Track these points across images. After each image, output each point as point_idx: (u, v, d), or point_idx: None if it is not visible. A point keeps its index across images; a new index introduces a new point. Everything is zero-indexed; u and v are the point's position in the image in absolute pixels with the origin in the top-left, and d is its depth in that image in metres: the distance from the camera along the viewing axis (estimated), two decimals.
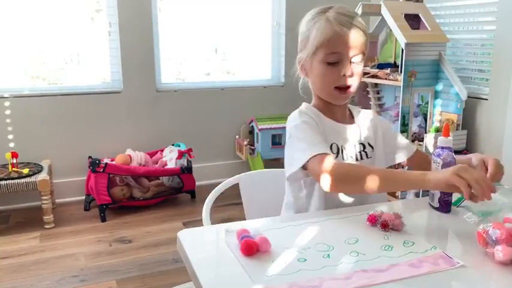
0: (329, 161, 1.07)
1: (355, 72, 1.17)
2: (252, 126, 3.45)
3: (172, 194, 3.06)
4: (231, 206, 2.32)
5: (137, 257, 2.35)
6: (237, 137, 3.47)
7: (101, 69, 3.17)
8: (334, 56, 1.15)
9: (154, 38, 3.16)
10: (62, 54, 3.08)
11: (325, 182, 1.07)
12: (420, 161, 1.29)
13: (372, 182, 1.03)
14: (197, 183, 3.09)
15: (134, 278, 2.16)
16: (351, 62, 1.16)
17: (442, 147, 1.08)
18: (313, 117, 1.21)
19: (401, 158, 1.30)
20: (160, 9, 3.17)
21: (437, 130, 2.74)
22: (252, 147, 3.42)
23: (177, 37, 3.32)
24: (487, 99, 2.77)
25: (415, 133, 2.80)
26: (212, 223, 1.26)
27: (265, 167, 3.25)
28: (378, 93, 3.24)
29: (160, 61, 3.25)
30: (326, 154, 1.10)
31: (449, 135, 1.08)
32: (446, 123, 1.12)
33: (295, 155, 1.15)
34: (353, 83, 1.18)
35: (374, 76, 3.00)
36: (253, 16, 3.49)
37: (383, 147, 1.28)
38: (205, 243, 0.98)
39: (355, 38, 1.15)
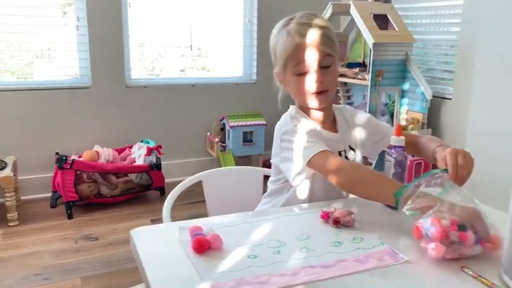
0: (339, 159, 1.13)
1: (327, 76, 1.18)
2: (224, 123, 3.45)
3: (141, 191, 3.04)
4: (200, 203, 2.32)
5: (103, 255, 2.33)
6: (208, 134, 3.47)
7: (69, 64, 3.11)
8: (301, 67, 1.17)
9: (124, 34, 3.13)
10: (32, 48, 3.01)
11: (338, 179, 1.08)
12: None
13: (380, 190, 1.04)
14: (168, 180, 3.08)
15: (99, 275, 2.14)
16: (320, 67, 1.18)
17: (395, 146, 1.11)
18: (303, 122, 1.23)
19: (386, 143, 1.28)
20: (130, 5, 3.13)
21: (403, 129, 2.80)
22: (223, 145, 3.43)
23: (150, 33, 3.29)
24: (451, 99, 2.85)
25: None
26: (180, 220, 1.25)
27: (236, 164, 3.26)
28: (348, 92, 3.29)
29: (130, 57, 3.22)
30: (329, 152, 1.13)
31: (401, 135, 1.11)
32: (398, 124, 1.14)
33: (296, 155, 1.15)
34: (329, 86, 1.20)
35: (343, 75, 3.04)
36: (226, 13, 3.48)
37: (370, 139, 1.31)
38: (158, 241, 0.98)
39: (317, 44, 1.16)
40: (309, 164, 1.12)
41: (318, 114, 1.26)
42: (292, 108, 1.28)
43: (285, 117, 1.25)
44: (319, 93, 1.19)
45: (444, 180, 0.94)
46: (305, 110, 1.26)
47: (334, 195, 1.21)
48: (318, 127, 1.25)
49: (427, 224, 0.87)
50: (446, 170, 0.97)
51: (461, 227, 0.87)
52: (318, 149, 1.12)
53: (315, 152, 1.12)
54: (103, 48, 3.06)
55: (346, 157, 1.27)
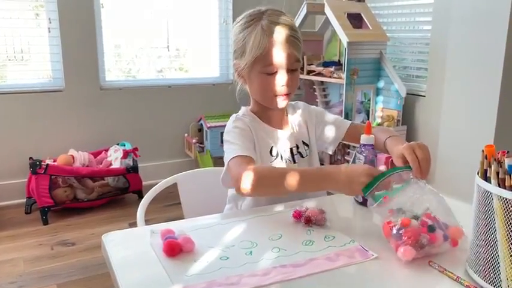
0: (245, 165, 1.08)
1: (293, 80, 1.20)
2: (201, 124, 3.44)
3: (118, 194, 3.00)
4: (178, 205, 2.31)
5: (80, 260, 2.29)
6: (186, 135, 3.45)
7: (42, 66, 3.06)
8: (272, 67, 1.17)
9: (97, 35, 3.08)
10: (4, 51, 2.94)
11: (236, 184, 1.08)
12: (355, 133, 1.31)
13: (282, 184, 1.05)
14: (146, 182, 3.05)
15: (76, 281, 2.11)
16: (288, 70, 1.19)
17: (365, 145, 1.12)
18: (248, 123, 1.23)
19: (339, 137, 1.32)
20: (103, 6, 3.09)
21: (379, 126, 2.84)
22: (201, 145, 3.42)
23: (126, 34, 3.26)
24: (424, 96, 2.90)
25: None
26: (158, 223, 1.24)
27: (215, 165, 3.25)
28: (324, 90, 3.32)
29: (105, 58, 3.17)
30: (247, 157, 1.12)
31: (370, 133, 1.13)
32: (368, 121, 1.16)
33: (225, 158, 1.17)
34: (292, 89, 1.22)
35: (319, 74, 3.06)
36: (202, 13, 3.47)
37: (325, 132, 1.32)
38: (130, 245, 0.97)
39: (291, 47, 1.17)
40: (227, 168, 1.14)
41: (271, 113, 1.27)
42: (242, 110, 1.29)
43: (231, 117, 1.26)
44: (282, 95, 1.21)
45: (408, 176, 0.96)
46: (257, 109, 1.27)
47: (297, 197, 1.20)
48: (267, 126, 1.26)
49: (398, 226, 0.88)
50: (408, 167, 0.98)
51: (431, 228, 0.88)
52: (240, 153, 1.12)
53: (233, 155, 1.13)
54: (76, 50, 3.02)
55: (300, 153, 1.28)
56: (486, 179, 0.77)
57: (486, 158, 0.78)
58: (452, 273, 0.81)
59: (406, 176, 0.97)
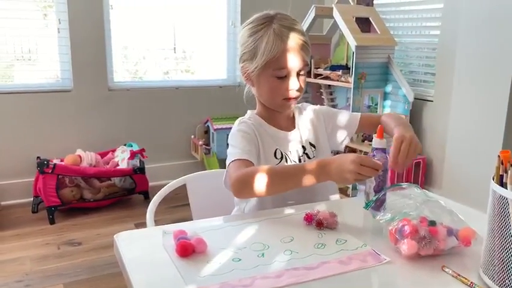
0: (243, 168, 1.10)
1: (302, 83, 1.22)
2: (208, 126, 3.45)
3: (125, 195, 3.01)
4: (185, 206, 2.31)
5: (86, 260, 2.30)
6: (193, 136, 3.46)
7: (51, 67, 3.08)
8: (283, 71, 1.19)
9: (106, 36, 3.10)
10: (12, 51, 2.96)
11: (231, 188, 1.10)
12: (367, 122, 1.33)
13: (278, 183, 1.07)
14: (152, 183, 3.06)
15: (82, 281, 2.12)
16: (298, 74, 1.20)
17: (376, 149, 1.12)
18: (253, 126, 1.24)
19: (351, 133, 1.34)
20: (112, 7, 3.11)
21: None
22: (208, 147, 3.42)
23: (134, 35, 3.27)
24: (432, 101, 2.90)
25: (364, 134, 2.88)
26: (165, 224, 1.25)
27: (221, 167, 3.25)
28: (331, 94, 3.32)
29: (113, 59, 3.19)
30: (246, 161, 1.13)
31: (382, 137, 1.13)
32: (380, 125, 1.16)
33: (227, 161, 1.18)
34: (300, 93, 1.23)
35: (327, 77, 3.07)
36: (209, 16, 3.48)
37: (333, 129, 1.33)
38: (142, 245, 0.97)
39: (302, 52, 1.19)
40: (227, 171, 1.15)
41: (277, 116, 1.28)
42: (248, 113, 1.30)
43: (236, 121, 1.28)
44: (291, 98, 1.22)
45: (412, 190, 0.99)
46: (263, 112, 1.28)
47: (301, 199, 1.20)
48: (273, 129, 1.27)
49: (399, 226, 0.90)
50: (410, 184, 1.02)
51: (432, 223, 0.89)
52: (239, 157, 1.14)
53: (232, 159, 1.14)
54: (85, 51, 3.03)
55: (307, 154, 1.29)
56: (502, 184, 0.77)
57: (502, 164, 0.77)
58: (466, 278, 0.81)
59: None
